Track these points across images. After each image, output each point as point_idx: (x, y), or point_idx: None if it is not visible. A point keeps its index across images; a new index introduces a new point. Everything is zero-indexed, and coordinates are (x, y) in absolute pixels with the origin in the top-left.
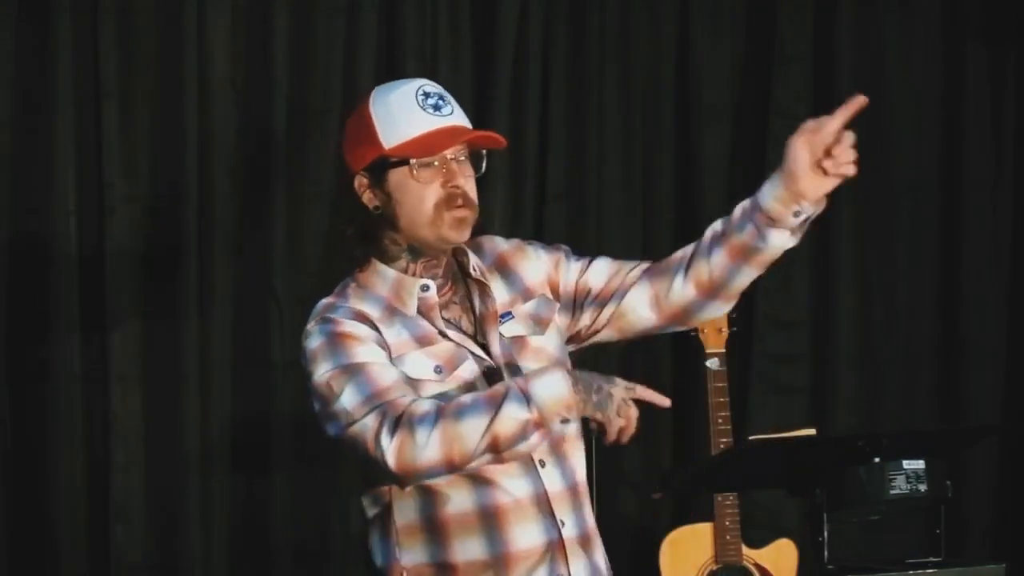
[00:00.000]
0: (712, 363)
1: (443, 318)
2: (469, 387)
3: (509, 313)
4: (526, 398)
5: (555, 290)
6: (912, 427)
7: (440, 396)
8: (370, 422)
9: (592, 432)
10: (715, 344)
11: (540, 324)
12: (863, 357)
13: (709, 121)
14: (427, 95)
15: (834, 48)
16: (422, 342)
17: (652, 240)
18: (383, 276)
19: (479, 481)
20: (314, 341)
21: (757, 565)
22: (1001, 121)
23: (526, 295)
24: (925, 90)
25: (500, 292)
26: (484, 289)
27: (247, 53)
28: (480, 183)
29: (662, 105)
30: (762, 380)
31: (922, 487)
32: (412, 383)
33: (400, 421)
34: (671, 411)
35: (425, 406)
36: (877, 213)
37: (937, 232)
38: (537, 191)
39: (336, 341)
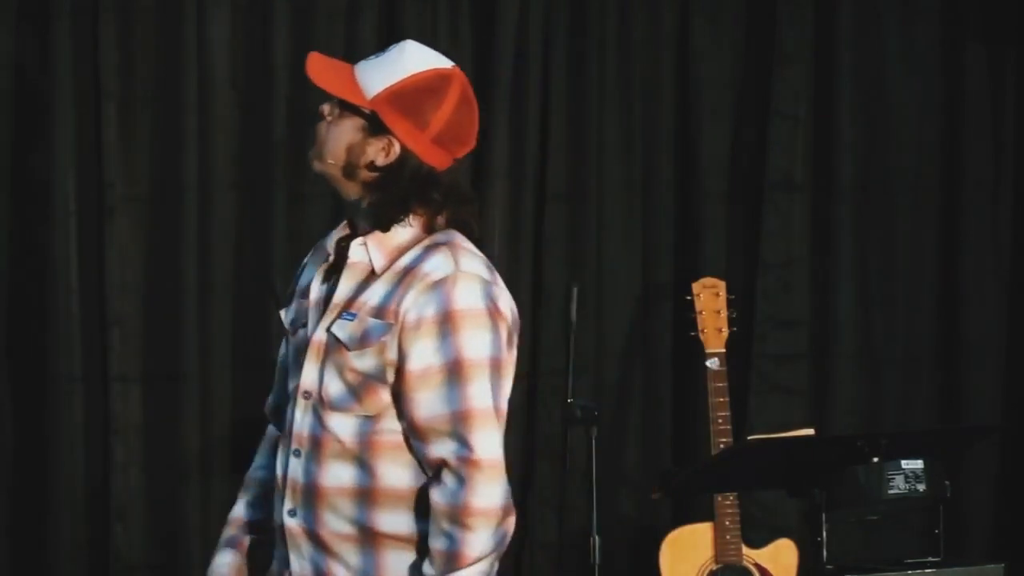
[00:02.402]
0: (712, 363)
1: (326, 280)
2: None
3: (354, 315)
4: None
5: (400, 338)
6: (911, 427)
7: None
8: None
9: (591, 433)
10: (715, 344)
11: (362, 343)
12: (863, 357)
13: (709, 121)
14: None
15: (834, 48)
16: (304, 293)
17: (652, 240)
18: None
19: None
20: None
21: (757, 565)
22: (1001, 121)
23: (380, 313)
24: (925, 90)
25: (376, 293)
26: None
27: (247, 53)
28: (480, 182)
29: (662, 105)
30: (762, 380)
31: (920, 487)
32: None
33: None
34: (671, 411)
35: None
36: (877, 213)
37: (937, 232)
38: (537, 190)
39: None
